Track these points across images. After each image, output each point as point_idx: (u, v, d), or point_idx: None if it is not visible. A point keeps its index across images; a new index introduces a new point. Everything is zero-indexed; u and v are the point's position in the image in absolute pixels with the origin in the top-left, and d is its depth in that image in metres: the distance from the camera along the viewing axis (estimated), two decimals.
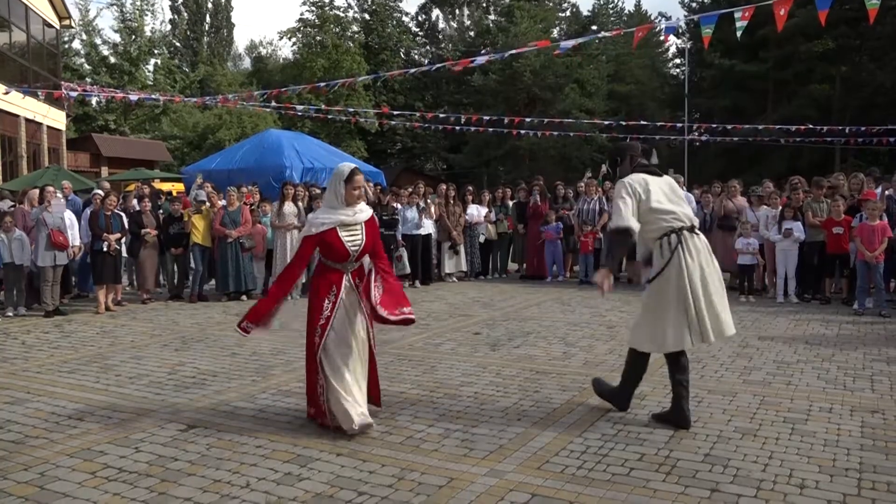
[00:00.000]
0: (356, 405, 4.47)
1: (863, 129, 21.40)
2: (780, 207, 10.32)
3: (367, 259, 4.73)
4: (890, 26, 29.12)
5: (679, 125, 26.63)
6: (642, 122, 23.62)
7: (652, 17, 50.67)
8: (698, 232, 4.62)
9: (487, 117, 20.70)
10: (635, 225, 4.42)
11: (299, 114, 17.91)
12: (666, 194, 4.59)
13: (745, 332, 7.72)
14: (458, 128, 20.51)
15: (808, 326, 8.11)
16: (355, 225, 4.56)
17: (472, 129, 19.88)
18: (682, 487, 3.63)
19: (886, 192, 10.20)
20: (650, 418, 4.72)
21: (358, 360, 4.59)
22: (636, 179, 4.55)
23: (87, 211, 10.36)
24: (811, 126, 20.47)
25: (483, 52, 40.09)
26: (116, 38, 39.14)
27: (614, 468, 3.88)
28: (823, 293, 9.97)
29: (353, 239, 4.55)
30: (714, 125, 23.00)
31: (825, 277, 10.05)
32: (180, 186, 20.96)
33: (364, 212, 4.63)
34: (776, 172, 23.36)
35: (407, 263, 11.57)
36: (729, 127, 22.21)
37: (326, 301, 4.51)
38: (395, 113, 20.45)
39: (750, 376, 5.83)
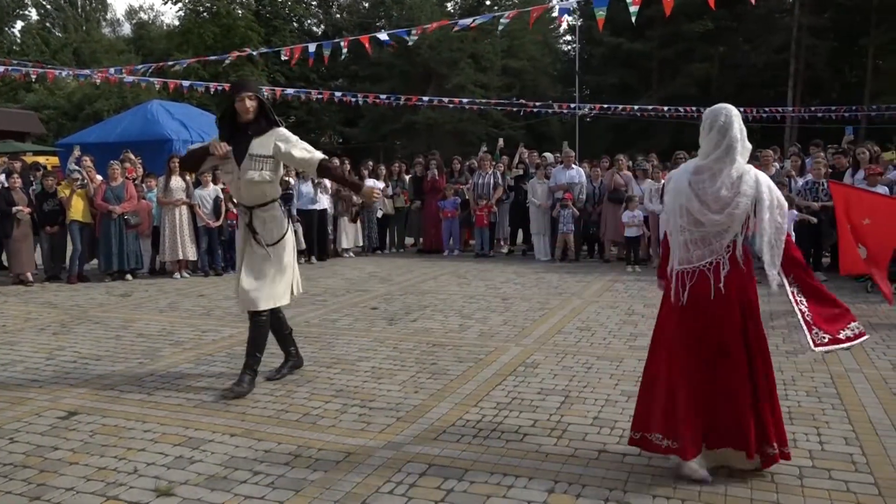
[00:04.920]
0: None
1: (742, 109, 22.70)
2: (663, 181, 10.81)
3: None
4: (764, 9, 30.84)
5: (573, 105, 27.30)
6: (537, 103, 24.04)
7: None
8: None
9: (384, 95, 20.49)
10: None
11: (185, 86, 17.05)
12: None
13: (632, 300, 8.09)
14: (354, 100, 20.17)
15: None
16: None
17: (369, 101, 19.60)
18: (572, 450, 3.78)
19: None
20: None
21: None
22: None
23: None
24: (693, 108, 21.53)
25: (378, 24, 39.57)
26: None
27: (509, 435, 4.00)
28: None
29: None
30: (605, 105, 23.73)
31: None
32: (55, 160, 19.66)
33: None
34: (662, 147, 24.42)
35: (302, 239, 11.39)
36: (620, 108, 23.00)
37: None
38: (291, 91, 19.72)
39: (636, 342, 6.12)
